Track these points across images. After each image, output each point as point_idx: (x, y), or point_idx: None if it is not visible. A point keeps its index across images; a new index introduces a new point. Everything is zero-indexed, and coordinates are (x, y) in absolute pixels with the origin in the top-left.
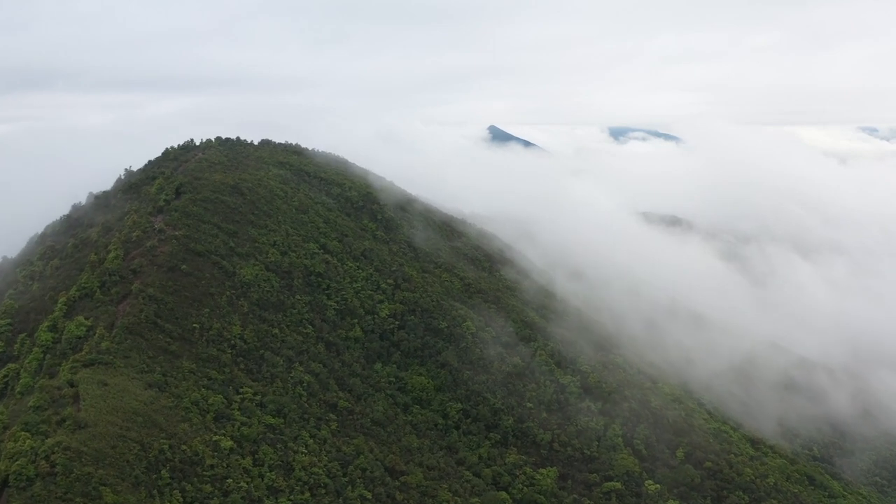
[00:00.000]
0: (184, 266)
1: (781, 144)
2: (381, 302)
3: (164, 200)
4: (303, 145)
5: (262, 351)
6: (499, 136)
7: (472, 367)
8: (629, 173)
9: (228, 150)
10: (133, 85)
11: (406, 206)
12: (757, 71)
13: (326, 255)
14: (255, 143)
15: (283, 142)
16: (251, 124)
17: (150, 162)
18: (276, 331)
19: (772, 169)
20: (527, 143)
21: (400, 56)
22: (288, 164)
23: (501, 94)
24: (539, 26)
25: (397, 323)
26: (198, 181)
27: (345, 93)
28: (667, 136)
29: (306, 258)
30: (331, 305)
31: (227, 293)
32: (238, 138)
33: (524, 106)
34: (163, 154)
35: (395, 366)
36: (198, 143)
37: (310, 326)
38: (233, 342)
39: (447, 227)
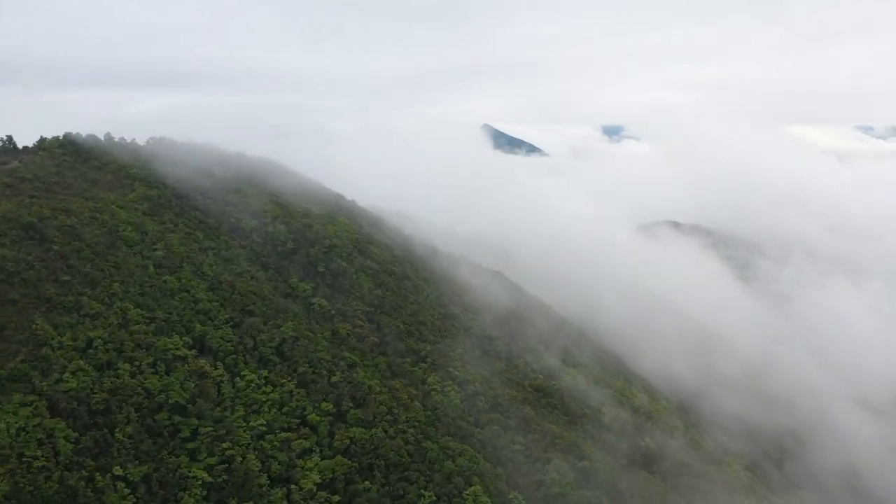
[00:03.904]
0: None
1: (781, 143)
2: (306, 454)
3: None
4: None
5: None
6: (493, 136)
7: None
8: (625, 173)
9: (74, 157)
10: (121, 83)
11: (370, 243)
12: (755, 69)
13: (202, 362)
14: (154, 142)
15: (186, 141)
16: (237, 124)
17: None
18: None
19: (772, 168)
20: (521, 143)
21: (400, 55)
22: (176, 179)
23: (500, 92)
24: (539, 25)
25: (338, 501)
26: None
27: (343, 91)
28: (663, 135)
29: (155, 372)
30: (196, 478)
31: None
32: (109, 135)
33: (523, 104)
34: None
35: None
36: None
37: None
38: None
39: (434, 275)
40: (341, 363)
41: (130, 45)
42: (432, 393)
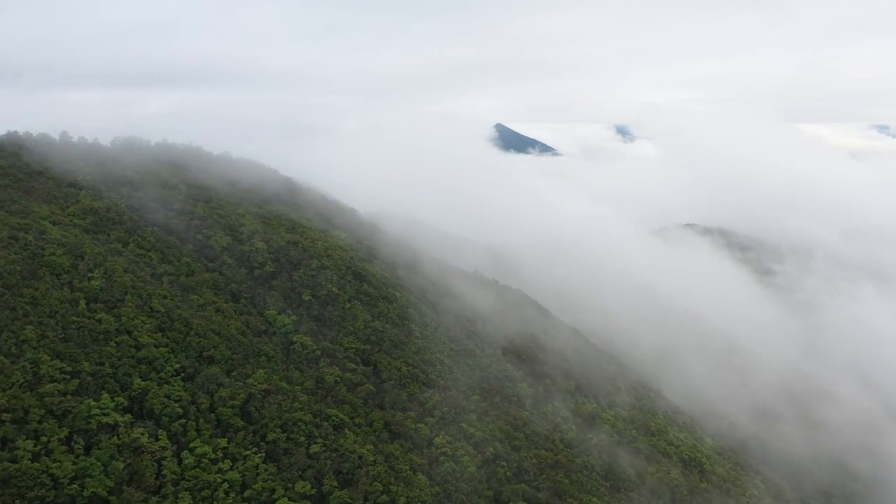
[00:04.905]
0: None
1: (796, 142)
2: None
3: None
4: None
5: None
6: (505, 136)
7: None
8: (638, 174)
9: (12, 161)
10: (120, 82)
11: (369, 261)
12: (769, 66)
13: (138, 431)
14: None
15: (160, 141)
16: (235, 123)
17: None
18: None
19: (787, 168)
20: (533, 142)
21: (407, 52)
22: (134, 188)
23: (511, 90)
24: (549, 22)
25: None
26: None
27: (349, 89)
28: (676, 135)
29: (69, 450)
30: None
31: None
32: (65, 134)
33: (534, 102)
34: None
35: None
36: None
37: None
38: None
39: (443, 298)
40: (325, 424)
41: (131, 44)
42: (441, 459)
